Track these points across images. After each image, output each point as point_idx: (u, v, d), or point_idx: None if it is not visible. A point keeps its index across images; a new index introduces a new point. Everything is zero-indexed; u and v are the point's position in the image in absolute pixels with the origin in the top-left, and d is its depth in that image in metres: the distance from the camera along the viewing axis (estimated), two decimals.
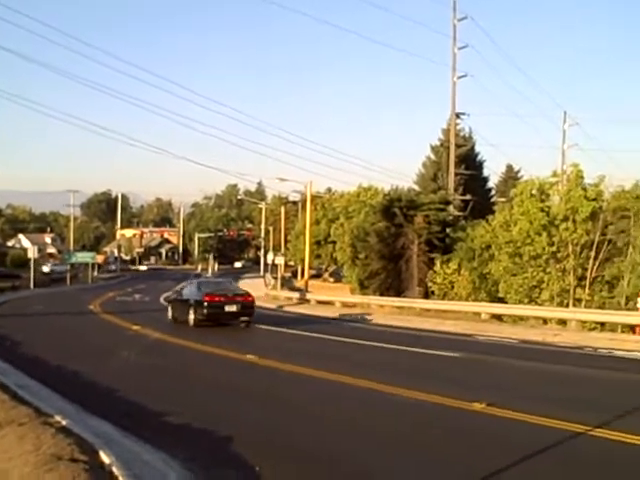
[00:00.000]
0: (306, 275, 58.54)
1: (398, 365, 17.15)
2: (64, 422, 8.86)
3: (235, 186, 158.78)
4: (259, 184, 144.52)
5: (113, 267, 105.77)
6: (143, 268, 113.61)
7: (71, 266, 78.95)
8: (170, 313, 29.63)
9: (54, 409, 10.02)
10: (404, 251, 40.82)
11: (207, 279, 34.81)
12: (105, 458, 7.31)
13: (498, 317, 31.36)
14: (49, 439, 7.72)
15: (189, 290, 28.48)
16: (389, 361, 18.03)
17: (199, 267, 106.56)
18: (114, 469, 7.04)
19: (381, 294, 40.51)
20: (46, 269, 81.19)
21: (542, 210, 32.00)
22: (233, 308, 26.38)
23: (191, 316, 26.51)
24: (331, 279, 71.74)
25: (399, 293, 39.86)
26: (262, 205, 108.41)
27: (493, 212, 41.21)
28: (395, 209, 41.54)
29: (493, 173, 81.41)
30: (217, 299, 26.26)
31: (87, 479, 6.43)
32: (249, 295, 27.74)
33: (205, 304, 25.95)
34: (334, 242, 70.97)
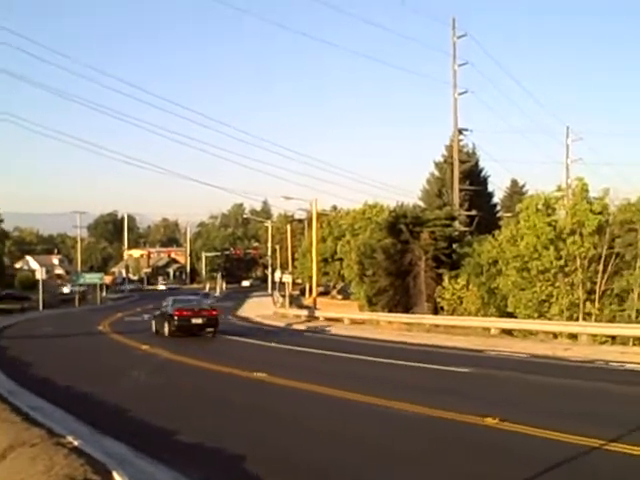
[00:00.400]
0: (314, 292, 58.50)
1: (408, 381, 17.08)
2: (76, 443, 8.85)
3: (241, 205, 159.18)
4: (264, 203, 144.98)
5: (128, 287, 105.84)
6: (162, 287, 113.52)
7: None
8: (153, 326, 33.35)
9: (66, 430, 10.02)
10: (411, 267, 40.75)
11: (181, 297, 38.07)
12: (118, 478, 7.30)
13: (508, 332, 31.24)
14: (61, 460, 7.71)
15: (165, 306, 32.30)
16: (399, 377, 17.96)
17: (207, 286, 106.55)
18: None
19: (389, 310, 40.42)
20: (66, 290, 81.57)
21: (549, 224, 31.93)
22: (199, 321, 30.54)
23: (166, 328, 30.72)
24: (339, 296, 71.58)
25: (407, 309, 39.76)
26: (268, 224, 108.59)
27: (499, 227, 41.09)
28: (401, 225, 41.53)
29: (498, 188, 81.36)
30: (185, 313, 30.49)
31: None
32: (214, 310, 32.21)
33: (175, 317, 30.22)
34: (341, 259, 70.94)
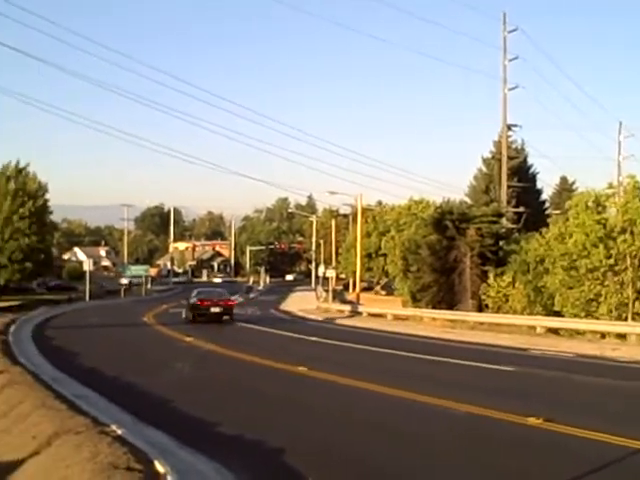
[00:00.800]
0: (357, 288, 58.38)
1: (451, 378, 16.92)
2: (120, 431, 8.95)
3: (286, 199, 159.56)
4: (309, 197, 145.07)
5: (175, 279, 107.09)
6: (218, 280, 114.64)
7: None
8: (184, 313, 38.11)
9: (110, 419, 10.15)
10: (456, 264, 40.38)
11: (204, 289, 42.65)
12: (160, 468, 7.35)
13: (554, 331, 30.75)
14: (105, 448, 7.81)
15: (192, 297, 36.91)
16: (442, 374, 17.80)
17: (251, 279, 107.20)
18: (169, 478, 7.08)
19: (433, 307, 40.14)
20: (125, 281, 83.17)
21: (598, 222, 31.32)
22: (217, 309, 35.34)
23: (190, 315, 35.83)
24: (383, 292, 71.41)
25: (452, 306, 39.42)
26: (313, 218, 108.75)
27: (547, 225, 40.39)
28: (447, 222, 41.18)
29: (547, 185, 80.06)
30: (206, 303, 35.51)
31: None
32: (230, 300, 37.66)
33: (198, 306, 35.39)
34: (385, 255, 70.65)
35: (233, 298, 38.69)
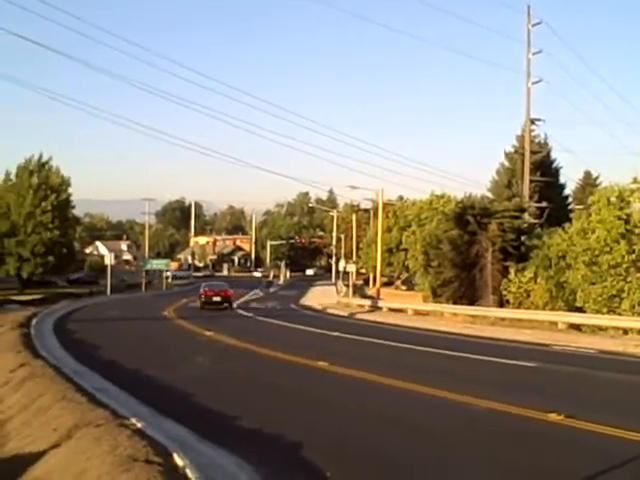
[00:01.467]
0: (378, 283, 58.30)
1: (471, 374, 16.80)
2: (139, 425, 8.99)
3: (306, 194, 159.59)
4: (330, 192, 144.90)
5: (207, 273, 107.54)
6: (257, 275, 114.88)
7: (154, 273, 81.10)
8: (198, 303, 44.21)
9: (130, 412, 10.20)
10: (478, 259, 40.14)
11: (210, 282, 52.83)
12: (179, 461, 7.37)
13: (576, 327, 30.48)
14: (125, 441, 7.84)
15: (200, 289, 45.60)
16: (462, 370, 17.70)
17: (271, 274, 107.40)
18: (188, 472, 7.10)
19: (454, 302, 39.95)
20: (168, 273, 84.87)
21: (619, 218, 30.97)
22: (218, 299, 43.34)
23: (198, 303, 43.92)
24: (403, 287, 71.14)
25: (473, 301, 39.21)
26: (333, 213, 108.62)
27: (570, 220, 40.05)
28: (468, 217, 40.93)
29: (570, 180, 79.05)
30: (209, 293, 43.92)
31: None
32: (228, 291, 44.88)
33: (202, 296, 43.74)
34: (406, 250, 70.40)
35: (231, 290, 45.73)
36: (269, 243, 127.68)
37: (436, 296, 43.08)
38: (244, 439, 9.58)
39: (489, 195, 54.26)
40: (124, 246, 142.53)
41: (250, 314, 39.32)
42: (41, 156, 66.14)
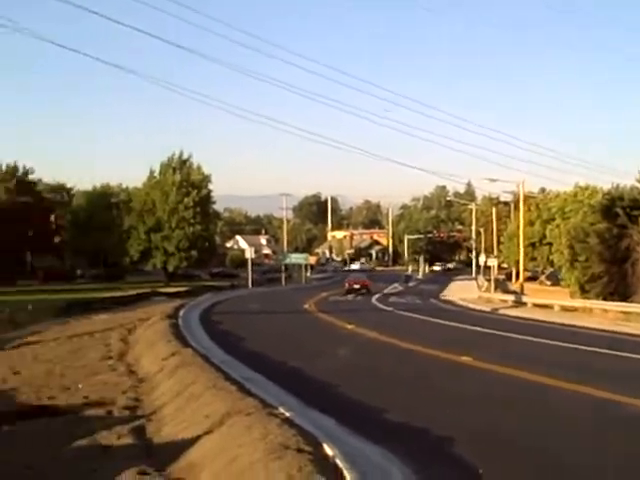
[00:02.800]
0: (521, 277, 56.52)
1: (630, 374, 15.84)
2: (288, 414, 9.05)
3: (444, 187, 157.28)
4: (468, 185, 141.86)
5: (357, 266, 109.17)
6: (355, 267, 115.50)
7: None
8: (340, 294, 52.44)
9: (277, 401, 10.31)
10: (629, 253, 38.08)
11: (353, 274, 67.88)
12: (329, 451, 7.32)
13: None
14: (275, 429, 7.88)
15: (345, 280, 58.69)
16: (624, 369, 16.72)
17: (409, 268, 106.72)
18: (338, 462, 7.03)
19: (604, 298, 38.06)
20: (355, 267, 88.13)
21: None
22: (357, 286, 54.91)
23: (344, 290, 54.54)
24: (548, 282, 68.67)
25: (625, 298, 37.18)
26: (472, 206, 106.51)
27: None
28: (617, 209, 38.91)
29: None
30: (351, 282, 56.28)
31: (313, 469, 6.45)
32: (366, 281, 57.45)
33: (346, 284, 56.13)
34: (550, 244, 67.97)
35: (368, 281, 57.83)
36: (406, 237, 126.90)
37: (584, 292, 41.25)
38: (390, 432, 9.48)
39: (639, 186, 51.37)
40: (263, 240, 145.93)
41: (390, 308, 39.13)
42: (182, 154, 68.88)
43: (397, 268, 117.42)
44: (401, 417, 10.31)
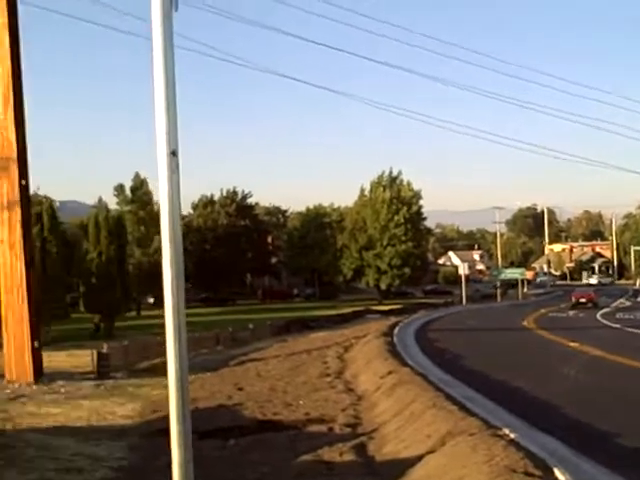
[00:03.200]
0: None
1: None
2: (512, 435, 8.77)
3: None
4: None
5: (594, 280, 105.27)
6: (593, 281, 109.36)
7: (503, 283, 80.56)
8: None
9: (500, 422, 10.04)
10: None
11: (578, 289, 66.62)
12: (560, 476, 7.00)
13: None
14: (500, 451, 7.68)
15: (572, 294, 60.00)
16: None
17: (638, 282, 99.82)
18: None
19: None
20: (593, 281, 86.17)
21: None
22: (584, 300, 55.28)
23: (570, 304, 55.17)
24: None
25: None
26: None
27: None
28: None
29: None
30: (577, 296, 56.62)
31: None
32: (591, 295, 58.25)
33: (572, 298, 56.58)
34: None
35: (594, 294, 58.78)
36: (632, 248, 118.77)
37: None
38: (624, 458, 8.87)
39: None
40: (476, 256, 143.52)
41: (617, 325, 36.74)
42: (391, 171, 69.67)
43: (622, 282, 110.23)
44: (636, 442, 9.64)
